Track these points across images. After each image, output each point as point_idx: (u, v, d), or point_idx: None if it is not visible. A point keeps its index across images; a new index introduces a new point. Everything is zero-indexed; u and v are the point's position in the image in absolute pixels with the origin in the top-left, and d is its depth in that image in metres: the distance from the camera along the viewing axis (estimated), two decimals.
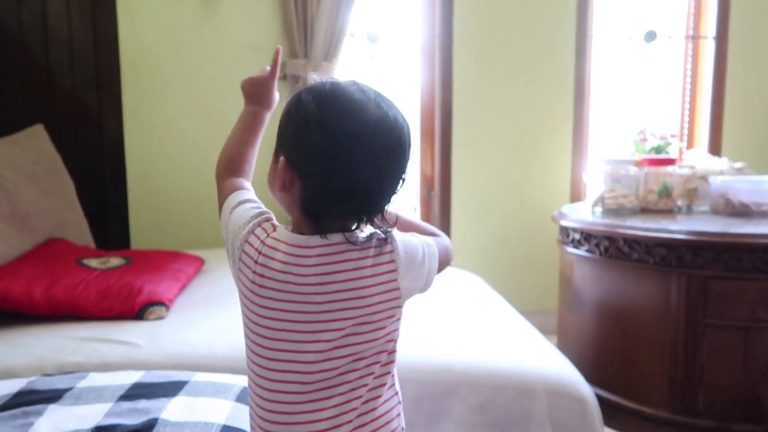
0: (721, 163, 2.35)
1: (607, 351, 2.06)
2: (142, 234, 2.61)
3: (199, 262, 2.04)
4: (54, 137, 2.30)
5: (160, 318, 1.61)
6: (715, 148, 2.87)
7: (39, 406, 1.06)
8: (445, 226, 2.80)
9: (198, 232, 2.61)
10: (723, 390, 1.85)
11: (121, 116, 2.57)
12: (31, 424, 1.00)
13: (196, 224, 2.62)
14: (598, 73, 2.89)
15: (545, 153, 2.82)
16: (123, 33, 2.54)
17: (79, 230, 2.19)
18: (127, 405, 1.07)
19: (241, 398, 1.12)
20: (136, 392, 1.12)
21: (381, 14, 2.76)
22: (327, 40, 2.51)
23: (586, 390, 1.44)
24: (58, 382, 1.17)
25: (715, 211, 2.18)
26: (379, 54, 2.76)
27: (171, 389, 1.13)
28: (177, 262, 1.92)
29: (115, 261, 1.84)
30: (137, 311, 1.61)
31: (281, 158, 0.74)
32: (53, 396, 1.10)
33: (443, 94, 2.75)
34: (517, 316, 1.82)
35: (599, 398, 1.50)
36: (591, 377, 1.82)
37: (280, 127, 0.77)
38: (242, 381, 1.19)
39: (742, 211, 2.11)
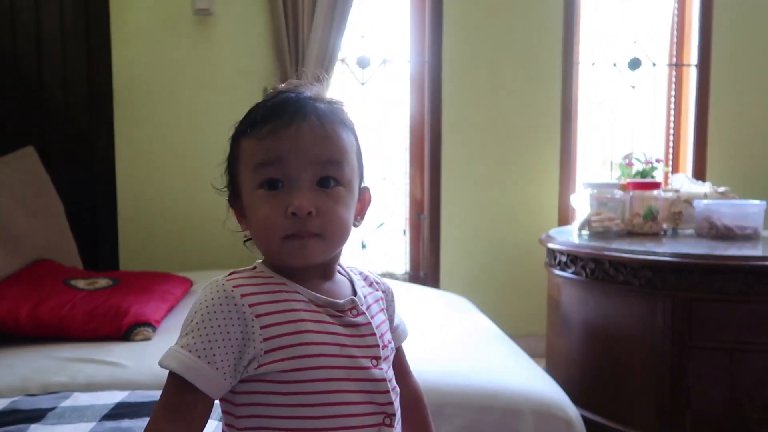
0: (705, 187, 2.39)
1: (595, 373, 2.06)
2: (131, 256, 2.61)
3: (187, 284, 2.03)
4: (45, 159, 2.31)
5: (147, 339, 1.61)
6: (699, 173, 2.92)
7: (21, 426, 1.05)
8: (435, 249, 2.82)
9: (187, 254, 2.61)
10: (710, 413, 1.86)
11: (113, 139, 2.59)
12: None
13: (185, 246, 2.62)
14: (584, 99, 2.95)
15: (533, 177, 2.86)
16: (116, 57, 2.57)
17: (67, 252, 2.18)
18: (110, 424, 1.06)
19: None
20: (120, 412, 1.11)
21: (371, 40, 2.82)
22: (318, 65, 2.55)
23: (572, 411, 1.44)
24: (40, 402, 1.16)
25: (700, 235, 2.21)
26: (370, 79, 2.81)
27: None
28: (165, 284, 1.92)
29: (102, 282, 1.83)
30: (124, 332, 1.60)
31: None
32: (35, 416, 1.09)
33: (432, 118, 2.79)
34: (503, 338, 1.82)
35: (587, 421, 1.51)
36: (579, 400, 1.82)
37: None
38: None
39: (726, 235, 2.14)
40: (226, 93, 2.63)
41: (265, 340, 0.63)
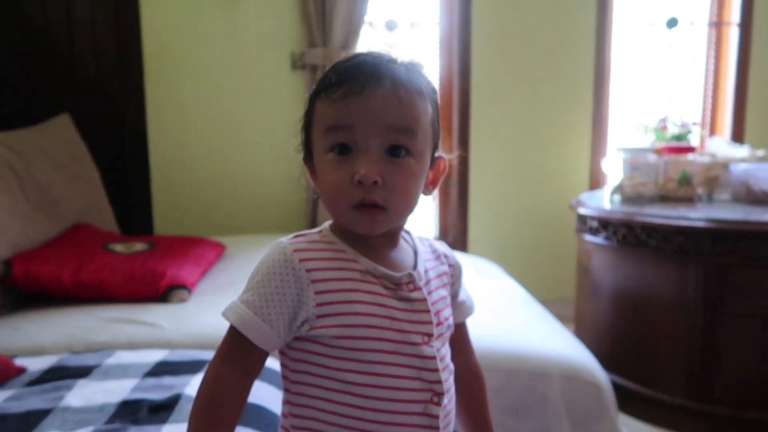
0: (743, 150, 2.33)
1: (625, 338, 2.06)
2: (164, 221, 2.66)
3: (220, 248, 2.08)
4: (78, 126, 2.36)
5: (183, 301, 1.66)
6: (737, 136, 2.84)
7: (69, 381, 1.10)
8: (463, 215, 2.81)
9: (219, 219, 2.66)
10: (741, 378, 1.85)
11: (144, 105, 2.62)
12: (62, 397, 1.04)
13: (217, 211, 2.67)
14: (618, 60, 2.86)
15: (564, 141, 2.81)
16: (145, 24, 2.58)
17: (104, 216, 2.24)
18: (152, 381, 1.11)
19: (263, 377, 1.15)
20: (161, 369, 1.16)
21: (399, 2, 2.77)
22: (345, 29, 2.53)
23: (600, 375, 1.45)
24: (86, 359, 1.21)
25: (736, 200, 2.16)
26: (398, 43, 2.77)
27: (194, 367, 1.17)
28: (199, 248, 1.97)
29: (139, 246, 1.88)
30: (161, 294, 1.65)
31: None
32: (83, 372, 1.15)
33: (461, 82, 2.75)
34: (533, 303, 1.83)
35: (617, 385, 1.52)
36: (608, 365, 1.83)
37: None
38: None
39: (763, 200, 2.09)
40: (253, 58, 2.63)
41: (318, 305, 0.65)
